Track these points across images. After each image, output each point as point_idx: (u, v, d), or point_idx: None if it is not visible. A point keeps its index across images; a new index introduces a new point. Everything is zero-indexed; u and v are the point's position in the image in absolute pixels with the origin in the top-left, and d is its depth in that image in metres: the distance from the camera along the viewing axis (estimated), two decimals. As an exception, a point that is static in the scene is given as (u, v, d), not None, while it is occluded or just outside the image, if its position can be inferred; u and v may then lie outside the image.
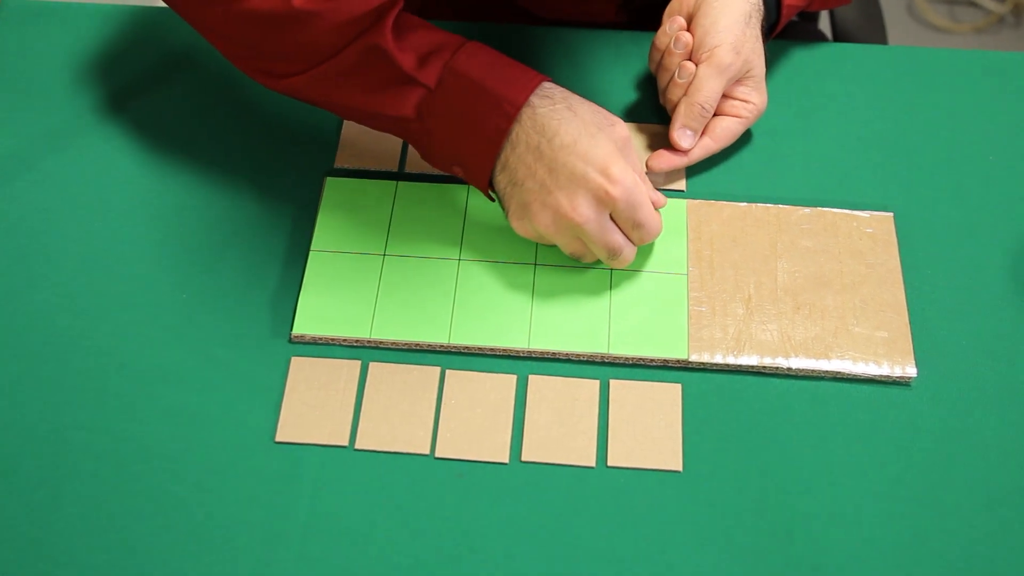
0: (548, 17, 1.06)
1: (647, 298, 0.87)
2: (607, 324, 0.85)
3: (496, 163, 0.82)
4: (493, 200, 0.86)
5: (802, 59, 1.03)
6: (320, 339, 0.85)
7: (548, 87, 0.82)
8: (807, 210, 0.92)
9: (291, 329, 0.86)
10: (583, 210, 0.80)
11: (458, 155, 0.84)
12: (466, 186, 0.92)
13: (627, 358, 0.84)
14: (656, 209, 0.84)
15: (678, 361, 0.84)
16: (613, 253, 0.83)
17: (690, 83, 0.89)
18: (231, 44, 0.85)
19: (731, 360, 0.84)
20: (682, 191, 0.94)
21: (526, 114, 0.81)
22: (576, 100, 0.83)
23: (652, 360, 0.84)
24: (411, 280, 0.87)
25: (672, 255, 0.89)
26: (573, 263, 0.88)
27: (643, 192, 0.82)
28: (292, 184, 0.94)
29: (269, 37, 0.81)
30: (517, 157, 0.81)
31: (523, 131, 0.81)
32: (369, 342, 0.85)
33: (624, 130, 0.83)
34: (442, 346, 0.85)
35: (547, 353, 0.84)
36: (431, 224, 0.90)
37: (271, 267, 0.89)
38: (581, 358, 0.85)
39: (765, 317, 0.86)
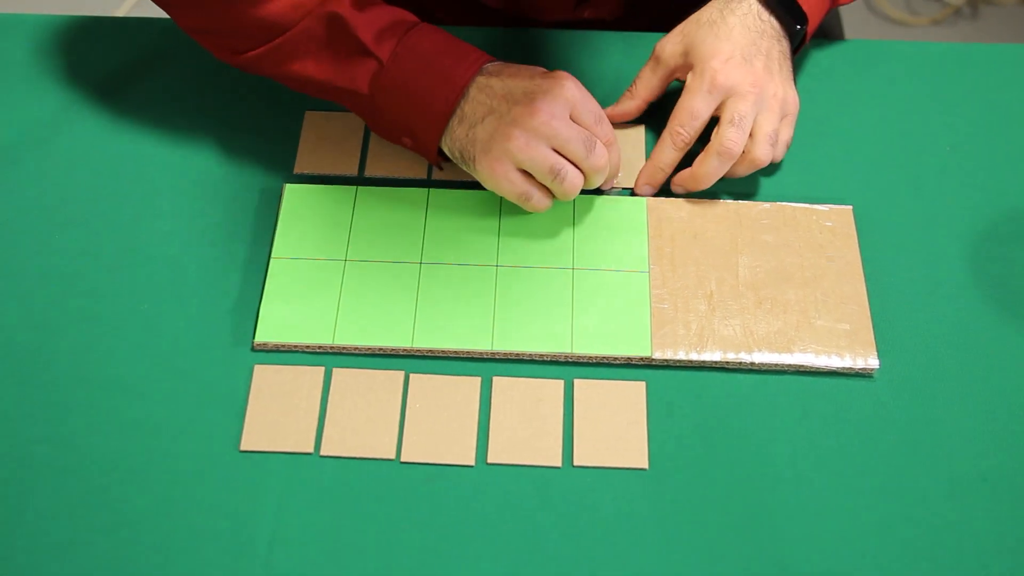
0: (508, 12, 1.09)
1: (609, 297, 0.87)
2: (570, 324, 0.85)
3: (448, 127, 0.85)
4: (442, 169, 0.89)
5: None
6: (283, 346, 0.85)
7: (490, 66, 0.86)
8: (767, 205, 0.92)
9: (253, 337, 0.86)
10: (546, 108, 0.82)
11: (408, 127, 0.86)
12: (426, 190, 0.92)
13: (591, 357, 0.85)
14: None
15: (641, 359, 0.85)
16: (588, 145, 0.83)
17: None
18: (193, 18, 0.88)
19: (694, 356, 0.84)
20: None
21: (480, 83, 0.84)
22: (521, 66, 0.86)
23: (616, 358, 0.85)
24: (373, 285, 0.87)
25: (633, 253, 0.89)
26: (535, 262, 0.88)
27: (597, 107, 0.85)
28: (251, 191, 0.94)
29: (231, 12, 0.84)
30: (473, 107, 0.84)
31: (478, 95, 0.84)
32: (332, 348, 0.85)
33: (569, 77, 0.85)
34: (406, 350, 0.85)
35: (511, 354, 0.85)
36: (392, 228, 0.90)
37: (232, 275, 0.89)
38: (545, 358, 0.85)
39: (727, 312, 0.86)
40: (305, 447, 0.81)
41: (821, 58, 1.03)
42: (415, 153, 0.91)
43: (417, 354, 0.85)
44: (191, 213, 0.93)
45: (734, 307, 0.87)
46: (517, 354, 0.85)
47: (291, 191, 0.93)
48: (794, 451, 0.81)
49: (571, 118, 0.83)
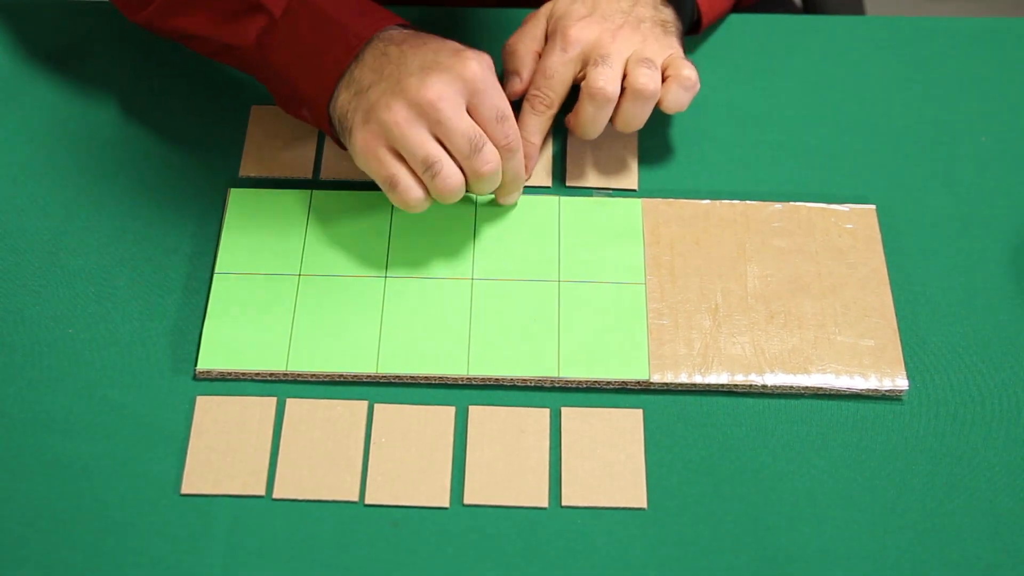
0: None
1: (600, 312, 0.87)
2: (556, 344, 0.85)
3: (334, 92, 0.85)
4: (345, 150, 0.88)
5: (768, 33, 1.04)
6: (229, 374, 0.85)
7: (393, 32, 0.86)
8: (778, 205, 0.92)
9: (195, 364, 0.85)
10: (438, 86, 0.81)
11: (298, 91, 0.87)
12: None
13: (580, 382, 0.84)
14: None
15: (638, 383, 0.84)
16: (475, 145, 0.82)
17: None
18: None
19: (698, 379, 0.84)
20: (633, 190, 0.95)
21: (378, 48, 0.84)
22: (428, 36, 0.86)
23: (609, 383, 0.85)
24: (331, 303, 0.87)
25: (627, 262, 0.89)
26: (516, 274, 0.89)
27: (499, 87, 0.84)
28: (190, 197, 0.93)
29: None
30: (362, 71, 0.84)
31: (373, 61, 0.84)
32: (285, 375, 0.85)
33: (477, 53, 0.84)
34: (369, 376, 0.85)
35: (489, 380, 0.85)
36: (352, 238, 0.90)
37: (169, 294, 0.89)
38: (528, 384, 0.85)
39: (735, 329, 0.86)
40: (255, 489, 0.81)
41: (838, 37, 1.03)
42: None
43: (383, 381, 0.85)
44: (121, 223, 0.92)
45: (743, 322, 0.87)
46: (496, 379, 0.85)
47: (236, 196, 0.93)
48: (813, 486, 0.81)
49: (467, 108, 0.83)
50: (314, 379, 0.85)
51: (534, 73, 0.92)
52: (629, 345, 0.86)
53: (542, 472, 0.81)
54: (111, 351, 0.86)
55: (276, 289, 0.88)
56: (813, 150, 0.96)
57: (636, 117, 0.90)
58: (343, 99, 0.85)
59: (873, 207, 0.92)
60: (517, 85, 0.94)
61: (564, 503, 0.80)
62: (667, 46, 0.92)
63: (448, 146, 0.82)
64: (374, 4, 0.87)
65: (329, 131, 0.88)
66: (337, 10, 0.85)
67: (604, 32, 0.90)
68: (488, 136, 0.83)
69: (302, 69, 0.86)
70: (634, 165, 0.96)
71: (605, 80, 0.88)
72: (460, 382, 0.85)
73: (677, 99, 0.90)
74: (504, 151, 0.85)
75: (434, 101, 0.80)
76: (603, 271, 0.89)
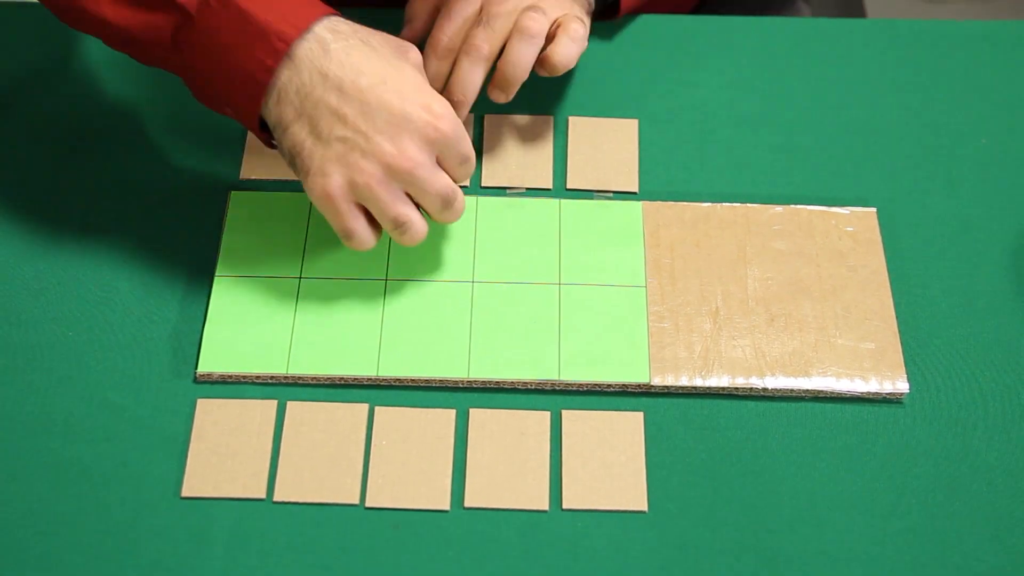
0: None
1: (601, 315, 0.87)
2: (556, 347, 0.86)
3: (279, 108, 0.81)
4: (274, 147, 0.86)
5: (768, 35, 1.04)
6: (230, 377, 0.85)
7: (336, 20, 0.83)
8: (779, 208, 0.93)
9: (196, 367, 0.85)
10: (412, 153, 0.80)
11: (223, 95, 0.84)
12: None
13: (581, 384, 0.85)
14: None
15: (639, 386, 0.85)
16: (448, 201, 0.83)
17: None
18: None
19: (699, 382, 0.85)
20: (634, 192, 0.95)
21: (314, 51, 0.81)
22: (366, 31, 0.84)
23: (609, 386, 0.85)
24: (332, 306, 0.87)
25: (627, 265, 0.90)
26: (516, 277, 0.89)
27: (463, 128, 0.83)
28: (191, 200, 0.94)
29: None
30: (315, 103, 0.81)
31: (315, 71, 0.81)
32: (286, 378, 0.85)
33: (417, 54, 0.86)
34: (370, 379, 0.85)
35: (489, 383, 0.85)
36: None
37: (170, 297, 0.89)
38: (528, 387, 0.85)
39: (736, 332, 0.87)
40: (256, 492, 0.81)
41: (839, 39, 1.03)
42: None
43: (383, 384, 0.85)
44: (121, 226, 0.92)
45: (743, 325, 0.87)
46: (497, 382, 0.85)
47: (237, 199, 0.93)
48: (813, 489, 0.81)
49: (437, 159, 0.83)
50: (315, 382, 0.85)
51: (437, 17, 0.92)
52: (630, 348, 0.86)
53: (543, 475, 0.81)
54: (112, 354, 0.86)
55: (277, 292, 0.88)
56: (814, 153, 0.97)
57: (519, 61, 0.88)
58: (296, 130, 0.81)
59: (874, 210, 0.93)
60: (409, 33, 0.95)
61: (565, 506, 0.80)
62: (564, 7, 0.91)
63: (419, 201, 0.83)
64: None
65: (258, 132, 0.85)
66: (257, 7, 0.80)
67: None
68: (451, 177, 0.84)
69: (226, 75, 0.82)
70: (634, 167, 0.96)
71: (482, 39, 0.88)
72: (461, 385, 0.85)
73: (565, 50, 0.89)
74: (463, 182, 0.86)
75: (411, 169, 0.80)
76: (603, 274, 0.89)
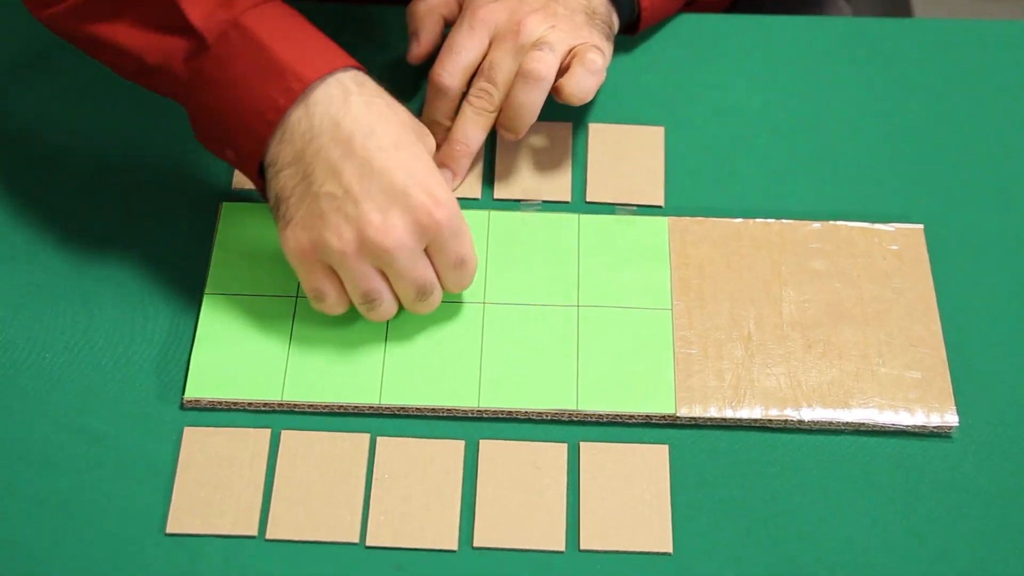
0: None
1: (623, 340, 0.87)
2: (575, 374, 0.85)
3: (279, 147, 0.82)
4: (265, 198, 0.86)
5: (806, 36, 1.04)
6: (219, 403, 0.85)
7: (363, 76, 0.84)
8: (817, 224, 0.92)
9: (183, 392, 0.85)
10: (398, 233, 0.79)
11: (227, 133, 0.84)
12: None
13: (601, 415, 0.84)
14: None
15: (664, 417, 0.84)
16: (423, 293, 0.83)
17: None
18: None
19: (729, 413, 0.84)
20: (660, 206, 0.95)
21: (334, 97, 0.81)
22: (391, 98, 0.85)
23: (632, 417, 0.84)
24: (332, 327, 0.87)
25: (652, 286, 0.89)
26: (531, 298, 0.89)
27: (466, 223, 0.82)
28: (180, 211, 0.93)
29: None
30: (316, 150, 0.80)
31: (328, 116, 0.81)
32: (281, 405, 0.84)
33: (432, 142, 0.88)
34: (372, 408, 0.84)
35: (501, 412, 0.84)
36: None
37: (156, 315, 0.88)
38: (544, 417, 0.85)
39: (770, 359, 0.86)
40: (247, 529, 0.80)
41: (883, 41, 1.03)
42: None
43: (386, 412, 0.85)
44: (104, 238, 0.92)
45: (778, 352, 0.87)
46: (509, 412, 0.84)
47: (230, 211, 0.93)
48: (854, 530, 0.81)
49: (427, 248, 0.82)
50: (311, 410, 0.84)
51: (441, 51, 0.93)
52: (654, 376, 0.85)
53: (559, 512, 0.81)
54: (92, 377, 0.86)
55: (271, 311, 0.87)
56: (855, 164, 0.96)
57: (525, 104, 0.90)
58: (287, 174, 0.82)
59: (921, 227, 0.92)
60: (417, 49, 0.97)
61: (583, 546, 0.79)
62: (581, 36, 0.92)
63: (394, 287, 0.83)
64: (325, 41, 0.84)
65: (255, 176, 0.85)
66: (280, 45, 0.81)
67: (517, 10, 0.91)
68: (441, 280, 0.84)
69: (234, 109, 0.82)
70: (660, 179, 0.96)
71: (484, 94, 0.91)
72: (470, 414, 0.84)
73: (580, 83, 0.90)
74: (452, 291, 0.86)
75: (391, 250, 0.79)
76: (626, 295, 0.89)
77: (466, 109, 0.91)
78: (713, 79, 1.02)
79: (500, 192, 0.95)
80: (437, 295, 0.84)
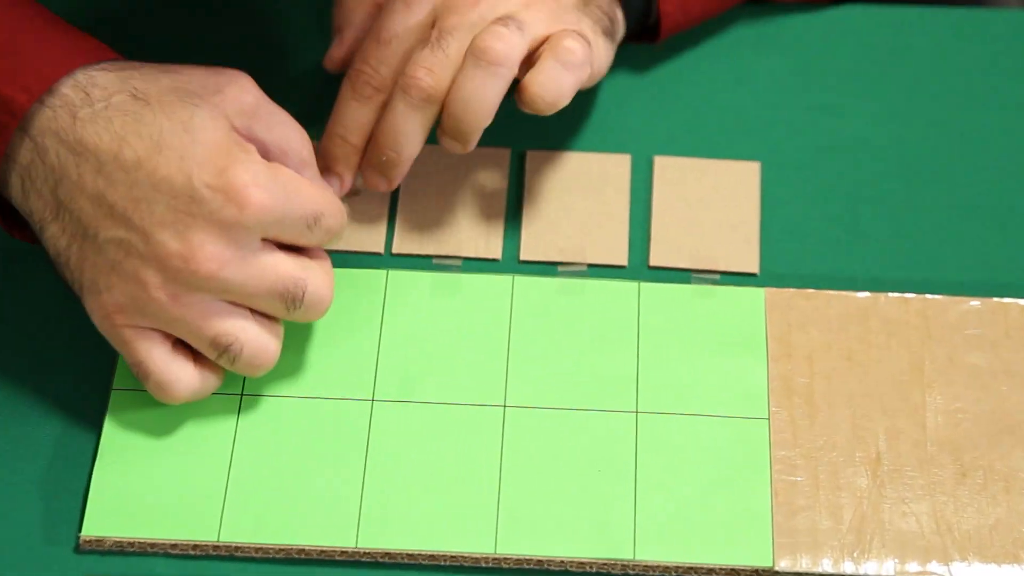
0: None
1: (700, 461, 0.78)
2: (631, 510, 0.76)
3: (28, 203, 0.75)
4: (34, 243, 0.79)
5: (953, 35, 0.95)
6: (130, 545, 0.74)
7: (94, 71, 0.75)
8: (975, 302, 0.84)
9: (79, 530, 0.75)
10: (209, 250, 0.72)
11: None
12: (384, 271, 0.85)
13: (667, 568, 0.75)
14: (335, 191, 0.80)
15: (758, 572, 0.75)
16: (289, 296, 0.75)
17: None
18: None
19: (849, 568, 0.74)
20: (753, 274, 0.86)
21: (60, 120, 0.73)
22: (151, 74, 0.75)
23: (712, 571, 0.75)
24: (288, 438, 0.78)
25: (742, 386, 0.81)
26: (568, 403, 0.79)
27: (295, 182, 0.74)
28: None
29: None
30: (69, 191, 0.73)
31: (62, 147, 0.73)
32: (216, 549, 0.75)
33: (243, 84, 0.76)
34: (344, 553, 0.75)
35: (527, 562, 0.75)
36: (325, 339, 0.83)
37: (45, 421, 0.80)
38: (588, 569, 0.75)
39: (907, 492, 0.77)
40: None
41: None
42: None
43: (365, 559, 0.75)
44: None
45: (919, 482, 0.77)
46: (539, 561, 0.75)
47: None
48: None
49: (267, 238, 0.75)
50: (260, 555, 0.75)
51: (366, 34, 0.85)
52: (743, 513, 0.76)
53: None
54: None
55: (206, 415, 0.79)
56: (1019, 214, 0.88)
57: (473, 96, 0.79)
58: (53, 230, 0.74)
59: None
60: (335, 50, 0.88)
61: None
62: (565, 20, 0.83)
63: (252, 307, 0.76)
64: (66, 29, 0.76)
65: (16, 233, 0.79)
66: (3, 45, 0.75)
67: None
68: (308, 256, 0.77)
69: None
70: (755, 235, 0.87)
71: (425, 69, 0.80)
72: (484, 565, 0.75)
73: (549, 79, 0.79)
74: (321, 243, 0.78)
75: (214, 272, 0.72)
76: (705, 398, 0.80)
77: (397, 101, 0.80)
78: (823, 100, 0.94)
79: (528, 252, 0.87)
80: (312, 288, 0.75)
